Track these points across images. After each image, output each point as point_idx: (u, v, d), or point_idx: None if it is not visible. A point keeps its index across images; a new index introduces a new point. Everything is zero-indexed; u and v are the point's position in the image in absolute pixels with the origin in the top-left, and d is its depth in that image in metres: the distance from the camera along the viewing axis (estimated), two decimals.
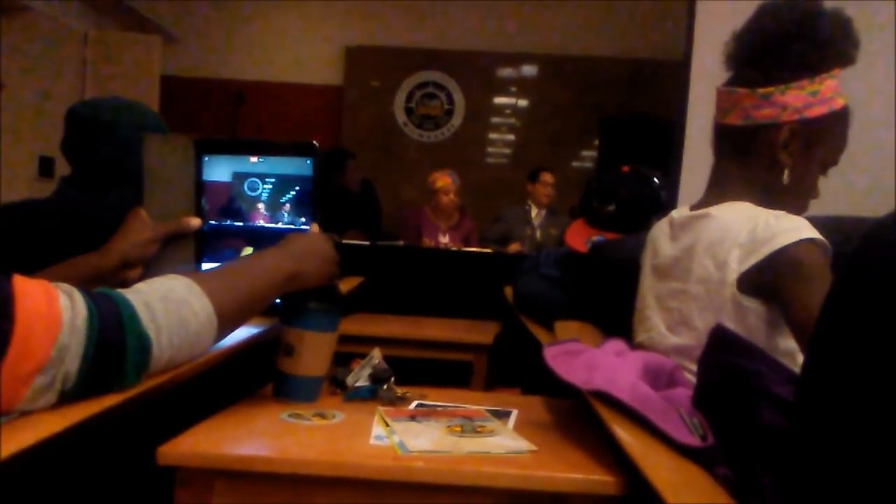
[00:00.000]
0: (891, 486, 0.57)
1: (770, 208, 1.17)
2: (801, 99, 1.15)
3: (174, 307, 0.93)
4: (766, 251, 1.07)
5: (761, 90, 1.16)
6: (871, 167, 2.92)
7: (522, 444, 1.03)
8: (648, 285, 1.30)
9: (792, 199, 1.21)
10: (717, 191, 1.23)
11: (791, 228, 1.08)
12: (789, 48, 1.16)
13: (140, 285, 0.95)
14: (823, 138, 1.19)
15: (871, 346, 0.59)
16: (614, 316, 1.45)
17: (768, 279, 1.08)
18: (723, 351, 0.89)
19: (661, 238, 1.30)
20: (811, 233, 1.08)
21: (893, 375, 0.57)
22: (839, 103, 1.18)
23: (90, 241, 1.26)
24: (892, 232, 0.60)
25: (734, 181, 1.22)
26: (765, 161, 1.19)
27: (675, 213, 1.30)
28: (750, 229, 1.10)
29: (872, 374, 0.59)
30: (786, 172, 1.18)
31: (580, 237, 1.98)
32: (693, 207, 1.26)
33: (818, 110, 1.16)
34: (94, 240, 1.25)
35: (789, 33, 1.16)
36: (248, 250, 1.28)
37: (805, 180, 1.21)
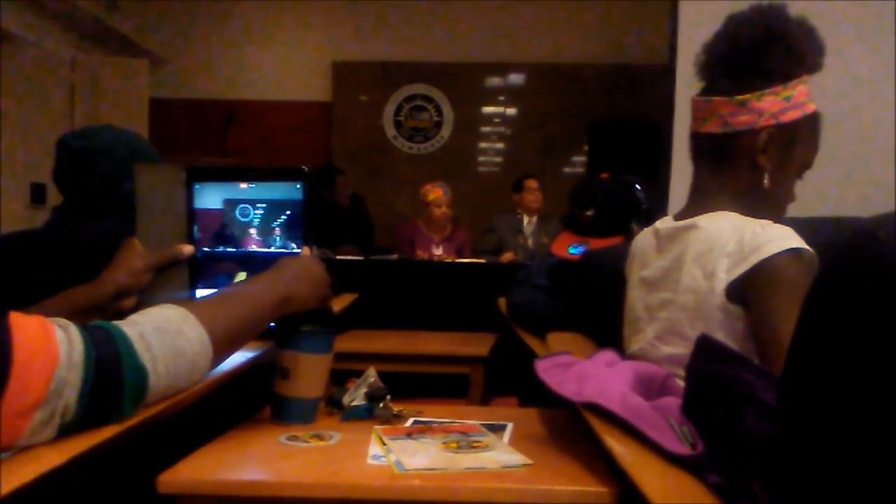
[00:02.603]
0: (873, 488, 0.59)
1: (752, 213, 1.19)
2: (777, 104, 1.18)
3: (169, 337, 0.94)
4: (753, 260, 1.09)
5: (738, 97, 1.19)
6: (872, 167, 2.94)
7: (517, 458, 1.05)
8: (638, 296, 1.31)
9: (772, 202, 1.24)
10: (701, 200, 1.25)
11: (778, 238, 1.10)
12: (762, 55, 1.19)
13: (135, 316, 0.96)
14: (798, 142, 1.22)
15: (847, 351, 0.61)
16: (605, 325, 1.47)
17: (750, 288, 1.10)
18: (709, 359, 0.91)
19: (649, 250, 1.31)
20: (797, 242, 1.10)
21: (868, 382, 0.59)
22: (811, 108, 1.22)
23: (83, 271, 1.27)
24: (878, 236, 0.61)
25: (716, 189, 1.24)
26: (744, 167, 1.22)
27: (659, 225, 1.31)
28: (737, 239, 1.12)
29: (848, 380, 0.61)
30: (766, 176, 1.21)
31: (563, 245, 2.01)
32: (677, 217, 1.28)
33: (792, 115, 1.19)
34: (88, 270, 1.27)
35: (761, 41, 1.19)
36: (242, 276, 1.29)
37: (783, 184, 1.24)
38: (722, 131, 1.21)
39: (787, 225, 1.15)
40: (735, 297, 1.12)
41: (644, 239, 1.36)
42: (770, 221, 1.14)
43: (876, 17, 2.93)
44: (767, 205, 1.23)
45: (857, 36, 3.02)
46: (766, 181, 1.21)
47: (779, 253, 1.08)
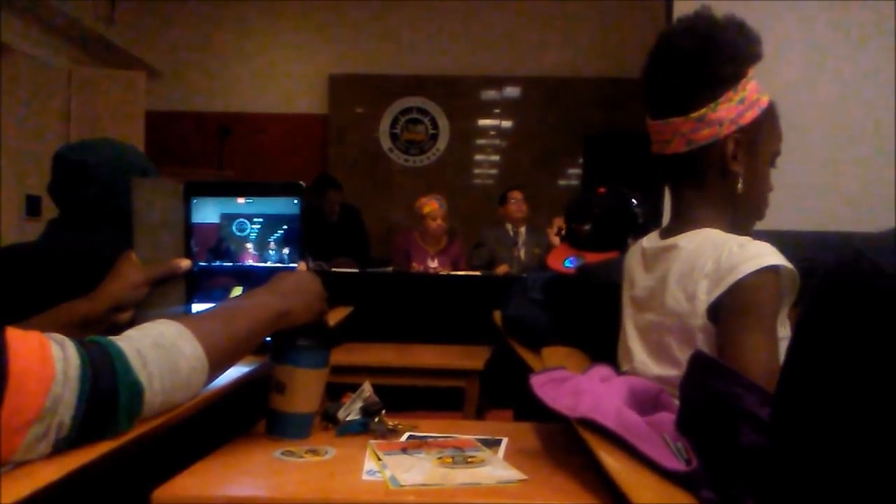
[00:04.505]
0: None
1: (736, 220, 1.21)
2: (733, 109, 1.19)
3: (165, 353, 0.94)
4: (729, 281, 1.09)
5: (694, 114, 1.19)
6: (872, 167, 2.95)
7: (513, 474, 1.05)
8: (629, 315, 1.32)
9: (753, 202, 1.26)
10: (683, 216, 1.26)
11: (754, 256, 1.10)
12: (706, 67, 1.19)
13: (131, 332, 0.96)
14: (763, 138, 1.23)
15: (839, 369, 0.61)
16: (601, 339, 1.47)
17: (725, 308, 1.10)
18: (703, 375, 0.91)
19: (636, 268, 1.32)
20: (775, 259, 1.10)
21: (861, 398, 0.59)
22: (765, 101, 1.22)
23: (79, 284, 1.27)
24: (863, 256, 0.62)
25: (696, 205, 1.24)
26: (718, 177, 1.22)
27: (646, 243, 1.32)
28: (715, 259, 1.13)
29: (842, 396, 0.61)
30: (739, 182, 1.22)
31: (559, 258, 2.02)
32: (662, 234, 1.29)
33: (751, 114, 1.20)
34: (84, 283, 1.27)
35: (701, 53, 1.19)
36: (238, 290, 1.29)
37: (760, 181, 1.25)
38: (687, 149, 1.22)
39: (770, 239, 1.15)
40: (716, 317, 1.13)
41: (632, 257, 1.36)
42: (749, 238, 1.15)
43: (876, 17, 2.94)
44: (749, 206, 1.25)
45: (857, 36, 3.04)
46: (740, 186, 1.22)
47: (753, 272, 1.08)
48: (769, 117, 1.23)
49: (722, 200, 1.23)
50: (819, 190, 2.98)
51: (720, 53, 1.18)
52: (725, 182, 1.22)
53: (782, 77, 3.04)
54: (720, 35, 1.20)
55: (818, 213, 2.90)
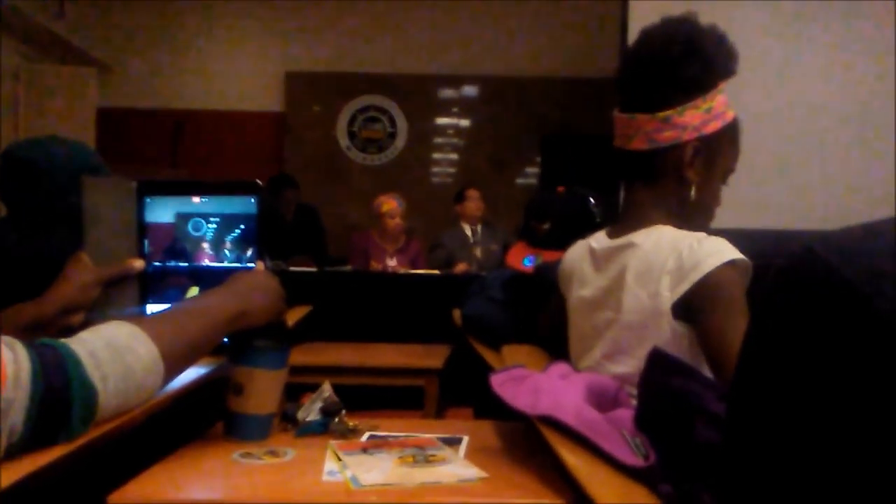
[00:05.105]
0: (819, 498, 0.61)
1: (684, 224, 1.23)
2: (698, 117, 1.21)
3: (119, 355, 0.93)
4: (694, 277, 1.12)
5: (660, 114, 1.21)
6: (872, 167, 3.02)
7: (473, 472, 1.05)
8: (582, 316, 1.33)
9: (701, 212, 1.28)
10: (634, 215, 1.27)
11: (714, 252, 1.12)
12: (681, 71, 1.21)
13: (84, 334, 0.94)
14: (722, 151, 1.25)
15: (786, 367, 0.63)
16: (559, 337, 1.48)
17: (696, 305, 1.13)
18: (661, 372, 0.92)
19: (585, 269, 1.33)
20: (733, 254, 1.13)
21: (812, 393, 0.61)
22: (730, 115, 1.25)
23: (29, 286, 1.24)
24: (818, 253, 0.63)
25: (648, 204, 1.26)
26: (672, 180, 1.24)
27: (594, 243, 1.33)
28: (676, 256, 1.15)
29: (793, 390, 0.63)
30: (692, 189, 1.24)
31: (518, 257, 2.03)
32: (611, 234, 1.30)
33: (714, 125, 1.22)
34: (34, 285, 1.24)
35: (678, 57, 1.21)
36: (195, 290, 1.28)
37: (710, 193, 1.28)
38: (648, 148, 1.24)
39: (725, 235, 1.18)
40: (680, 314, 1.15)
41: (577, 256, 1.37)
42: (705, 234, 1.17)
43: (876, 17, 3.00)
44: (697, 215, 1.27)
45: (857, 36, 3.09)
46: (693, 193, 1.24)
47: (717, 267, 1.11)
48: (731, 133, 1.26)
49: (673, 204, 1.25)
50: (820, 188, 3.04)
51: (697, 60, 1.20)
52: (679, 187, 1.24)
53: (779, 77, 3.09)
54: (700, 43, 1.21)
55: (817, 214, 2.96)
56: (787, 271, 0.66)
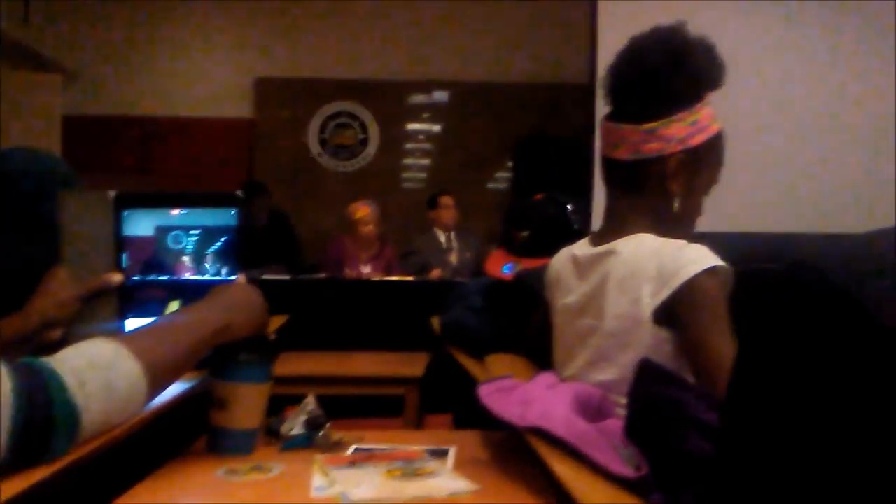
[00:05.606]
0: None
1: (665, 235, 1.23)
2: (684, 130, 1.22)
3: (102, 373, 0.91)
4: (675, 284, 1.12)
5: (646, 125, 1.22)
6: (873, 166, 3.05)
7: (463, 485, 1.05)
8: (566, 323, 1.33)
9: (683, 224, 1.29)
10: (616, 222, 1.28)
11: (695, 259, 1.13)
12: (668, 84, 1.22)
13: (66, 352, 0.92)
14: (706, 163, 1.26)
15: (779, 376, 0.63)
16: (541, 346, 1.49)
17: (678, 312, 1.13)
18: (650, 382, 0.93)
19: (569, 276, 1.33)
20: (712, 260, 1.13)
21: (804, 402, 0.61)
22: (715, 128, 1.26)
23: (3, 302, 1.21)
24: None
25: (630, 213, 1.27)
26: (656, 191, 1.25)
27: (577, 250, 1.33)
28: (657, 263, 1.15)
29: (785, 400, 0.63)
30: (675, 201, 1.25)
31: (498, 265, 2.03)
32: (593, 240, 1.31)
33: (699, 138, 1.23)
34: (8, 301, 1.21)
35: (666, 69, 1.21)
36: (175, 304, 1.26)
37: (693, 205, 1.28)
38: (633, 158, 1.24)
39: (708, 241, 1.19)
40: (662, 320, 1.15)
41: (561, 264, 1.37)
42: (685, 242, 1.18)
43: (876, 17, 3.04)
44: (679, 225, 1.27)
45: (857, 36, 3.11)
46: (676, 205, 1.25)
47: (698, 274, 1.12)
48: (716, 146, 1.26)
49: (655, 214, 1.26)
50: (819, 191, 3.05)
51: (685, 72, 1.21)
52: (662, 198, 1.25)
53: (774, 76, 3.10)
54: (689, 56, 1.22)
55: (819, 214, 2.97)
56: (780, 282, 0.67)
